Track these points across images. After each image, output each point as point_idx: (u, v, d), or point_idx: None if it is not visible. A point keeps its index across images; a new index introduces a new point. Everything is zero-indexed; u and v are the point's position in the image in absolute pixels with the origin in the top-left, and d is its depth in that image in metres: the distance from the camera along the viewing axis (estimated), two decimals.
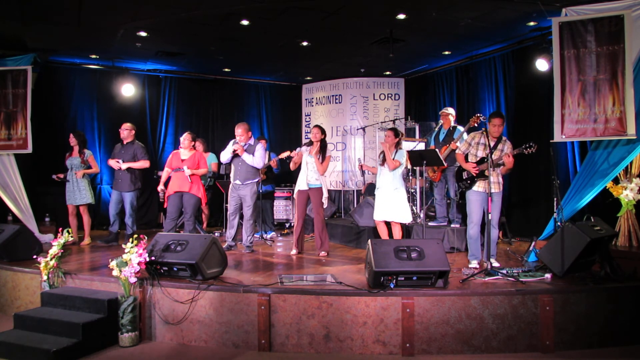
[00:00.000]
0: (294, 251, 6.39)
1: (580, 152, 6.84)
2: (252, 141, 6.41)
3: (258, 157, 6.31)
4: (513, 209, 7.71)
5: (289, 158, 6.58)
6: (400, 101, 10.20)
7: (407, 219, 5.96)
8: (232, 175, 6.48)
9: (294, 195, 6.45)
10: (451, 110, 6.86)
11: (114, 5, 6.15)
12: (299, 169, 6.44)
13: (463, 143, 5.48)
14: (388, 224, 6.09)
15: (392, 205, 5.90)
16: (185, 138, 6.64)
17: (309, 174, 6.24)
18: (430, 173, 6.80)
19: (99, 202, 9.06)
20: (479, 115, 6.15)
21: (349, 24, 6.91)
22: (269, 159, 7.79)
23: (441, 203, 6.92)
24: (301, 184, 6.26)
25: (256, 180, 6.42)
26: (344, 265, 5.61)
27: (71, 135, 7.22)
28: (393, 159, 5.89)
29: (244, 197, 6.34)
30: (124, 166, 6.83)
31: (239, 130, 6.30)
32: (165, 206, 6.76)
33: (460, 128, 6.72)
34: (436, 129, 7.06)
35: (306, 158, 6.27)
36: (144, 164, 6.97)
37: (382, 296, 4.19)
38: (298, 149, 6.44)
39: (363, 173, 6.43)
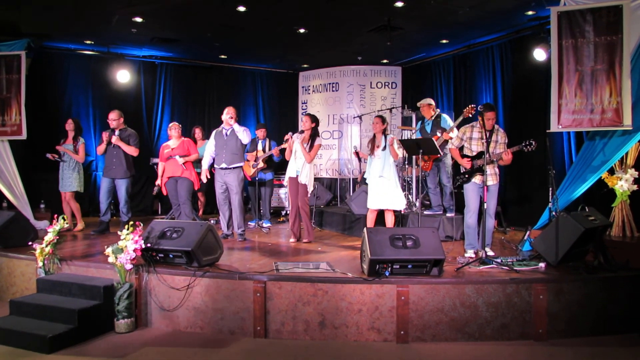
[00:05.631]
0: (292, 239, 6.41)
1: (576, 142, 6.85)
2: (236, 126, 6.37)
3: (247, 131, 6.37)
4: (508, 198, 7.74)
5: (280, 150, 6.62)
6: (397, 89, 10.17)
7: (401, 205, 6.01)
8: (216, 160, 6.45)
9: (285, 183, 6.49)
10: (430, 100, 6.90)
11: None
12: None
13: (455, 138, 5.49)
14: (380, 212, 6.12)
15: (385, 192, 5.92)
16: (174, 128, 6.86)
17: (297, 162, 6.28)
18: (422, 163, 6.81)
19: (95, 189, 9.03)
20: (472, 105, 6.15)
21: (346, 12, 6.86)
22: (270, 148, 7.80)
23: (435, 192, 6.95)
24: (291, 172, 6.33)
25: (241, 164, 6.44)
26: (340, 253, 5.63)
27: (69, 121, 7.22)
28: (384, 147, 5.96)
29: (230, 184, 6.34)
30: (116, 141, 6.77)
31: (232, 110, 6.37)
32: (165, 194, 6.93)
33: (445, 116, 6.76)
34: (419, 123, 7.13)
35: (296, 146, 6.30)
36: (134, 150, 6.94)
37: (377, 284, 4.22)
38: (290, 133, 6.42)
39: (359, 160, 6.47)
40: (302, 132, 6.37)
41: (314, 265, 4.89)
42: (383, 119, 6.08)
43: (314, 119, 6.39)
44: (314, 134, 6.33)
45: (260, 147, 7.79)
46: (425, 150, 6.18)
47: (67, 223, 5.19)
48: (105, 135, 6.95)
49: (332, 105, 10.37)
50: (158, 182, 6.96)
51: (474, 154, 5.28)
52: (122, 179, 6.88)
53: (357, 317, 4.23)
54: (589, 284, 4.34)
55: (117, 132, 6.83)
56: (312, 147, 6.27)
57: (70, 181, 7.08)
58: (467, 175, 5.28)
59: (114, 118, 6.93)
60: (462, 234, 5.75)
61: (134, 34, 7.90)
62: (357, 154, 6.98)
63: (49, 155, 7.17)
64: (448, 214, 6.65)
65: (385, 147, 5.96)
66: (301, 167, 6.27)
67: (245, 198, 7.65)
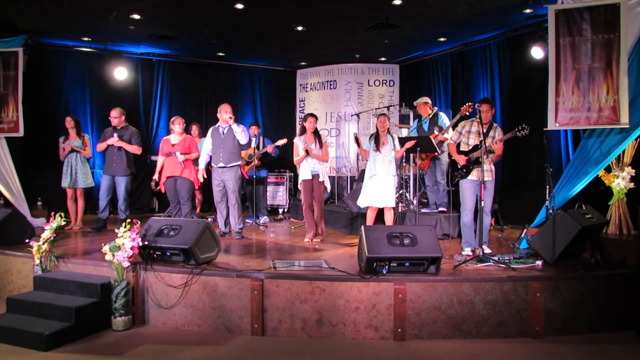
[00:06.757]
0: (306, 239, 6.34)
1: (573, 140, 6.86)
2: (235, 126, 6.31)
3: (245, 131, 6.32)
4: (505, 196, 7.74)
5: (277, 147, 6.55)
6: (395, 87, 10.17)
7: (394, 203, 6.10)
8: (213, 159, 6.41)
9: (299, 186, 6.43)
10: (426, 99, 6.92)
11: None
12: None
13: (454, 132, 5.50)
14: (379, 210, 6.13)
15: (387, 190, 5.95)
16: (177, 123, 6.69)
17: (310, 164, 6.28)
18: (419, 161, 6.83)
19: (92, 186, 9.00)
20: (469, 104, 6.18)
21: (344, 9, 6.85)
22: (264, 145, 7.82)
23: (432, 190, 6.97)
24: (306, 174, 6.28)
25: (239, 163, 6.42)
26: (337, 251, 5.63)
27: (68, 118, 7.17)
28: (395, 148, 6.07)
29: (227, 183, 6.31)
30: (117, 142, 6.76)
31: (230, 110, 6.31)
32: (163, 191, 6.88)
33: (442, 114, 6.79)
34: (416, 121, 7.14)
35: (308, 148, 6.28)
36: (137, 149, 6.95)
37: (375, 282, 4.22)
38: (299, 140, 6.33)
39: (358, 145, 6.47)
40: (304, 132, 6.33)
41: (312, 263, 4.89)
42: (388, 118, 6.18)
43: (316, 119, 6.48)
44: (318, 133, 6.36)
45: (253, 144, 7.79)
46: (423, 148, 6.21)
47: (64, 220, 5.16)
48: (109, 140, 6.86)
49: (330, 103, 10.36)
50: (155, 176, 6.83)
51: (470, 147, 5.30)
52: (123, 177, 6.86)
53: (354, 315, 4.23)
54: (586, 282, 4.35)
55: (115, 135, 6.80)
56: (322, 146, 6.31)
57: (86, 177, 7.08)
58: (464, 170, 5.29)
59: (115, 116, 6.91)
60: (460, 232, 5.75)
61: (131, 30, 7.88)
62: (357, 139, 6.86)
63: (64, 145, 7.07)
64: (440, 209, 6.69)
65: (394, 146, 6.03)
66: (318, 168, 6.28)
67: (243, 196, 7.64)
